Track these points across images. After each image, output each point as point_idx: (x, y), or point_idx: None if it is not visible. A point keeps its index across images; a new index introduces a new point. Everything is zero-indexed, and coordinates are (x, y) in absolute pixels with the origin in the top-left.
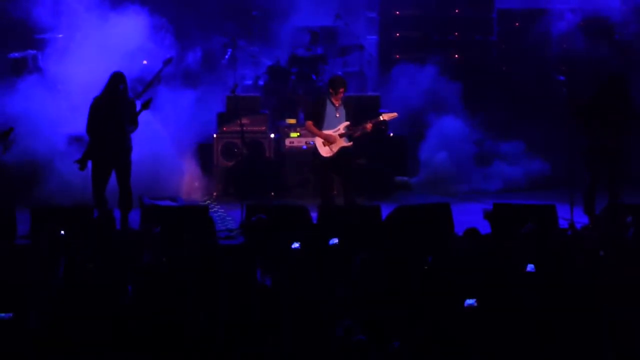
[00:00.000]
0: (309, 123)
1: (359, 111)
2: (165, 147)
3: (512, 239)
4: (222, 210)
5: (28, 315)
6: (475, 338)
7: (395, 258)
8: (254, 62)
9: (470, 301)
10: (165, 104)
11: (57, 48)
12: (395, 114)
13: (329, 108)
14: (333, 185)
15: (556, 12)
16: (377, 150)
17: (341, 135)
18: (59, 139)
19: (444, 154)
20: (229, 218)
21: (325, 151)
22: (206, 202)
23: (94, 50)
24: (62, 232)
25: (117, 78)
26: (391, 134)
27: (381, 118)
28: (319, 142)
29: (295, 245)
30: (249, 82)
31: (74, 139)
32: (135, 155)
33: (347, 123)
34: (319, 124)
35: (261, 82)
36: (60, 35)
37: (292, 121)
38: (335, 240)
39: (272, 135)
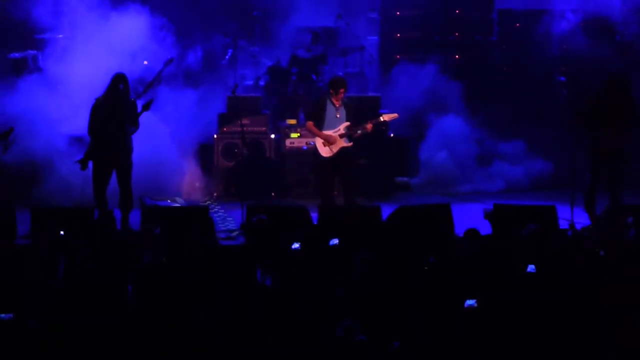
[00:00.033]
0: (310, 123)
1: (360, 112)
2: (166, 147)
3: (513, 239)
4: (223, 211)
5: (28, 315)
6: (475, 338)
7: (395, 258)
8: (254, 62)
9: (470, 302)
10: (165, 104)
11: (58, 48)
12: (395, 115)
13: (330, 108)
14: (333, 185)
15: (557, 12)
16: (378, 150)
17: (341, 136)
18: (59, 139)
19: (444, 154)
20: (230, 218)
21: (325, 151)
22: (206, 203)
23: (95, 50)
24: (62, 232)
25: (118, 79)
26: (391, 135)
27: (381, 119)
28: (319, 142)
29: (296, 245)
30: (250, 82)
31: (75, 140)
32: (136, 155)
33: (348, 123)
34: (320, 124)
35: (262, 83)
36: (61, 35)
37: (293, 122)
38: (336, 241)
39: (273, 136)
